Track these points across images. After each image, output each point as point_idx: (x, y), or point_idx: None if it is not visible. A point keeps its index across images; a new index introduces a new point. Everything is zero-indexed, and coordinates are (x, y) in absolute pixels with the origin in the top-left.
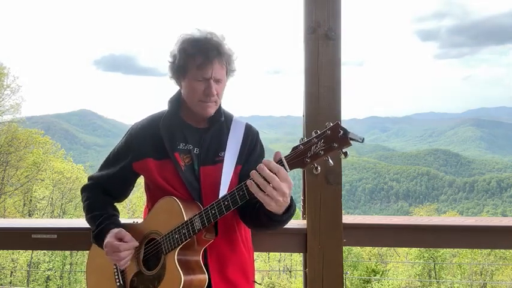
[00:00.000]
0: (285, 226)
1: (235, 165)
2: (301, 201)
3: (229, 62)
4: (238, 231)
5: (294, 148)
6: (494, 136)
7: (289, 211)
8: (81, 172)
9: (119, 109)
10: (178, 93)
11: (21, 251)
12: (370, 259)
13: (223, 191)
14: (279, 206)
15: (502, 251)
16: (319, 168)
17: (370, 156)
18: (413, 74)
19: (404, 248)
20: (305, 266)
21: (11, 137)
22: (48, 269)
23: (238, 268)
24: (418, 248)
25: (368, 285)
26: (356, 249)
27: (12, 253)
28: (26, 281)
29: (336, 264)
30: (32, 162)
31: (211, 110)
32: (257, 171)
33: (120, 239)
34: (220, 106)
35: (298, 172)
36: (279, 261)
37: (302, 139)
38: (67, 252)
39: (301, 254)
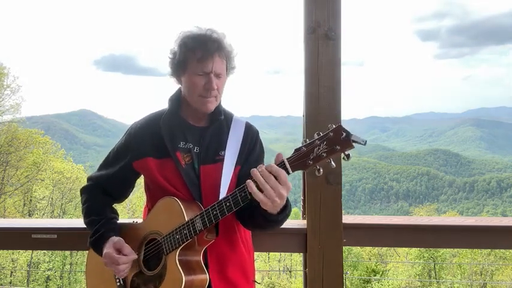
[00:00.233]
0: (285, 226)
1: (235, 166)
2: (301, 201)
3: (230, 58)
4: (238, 231)
5: (297, 150)
6: (494, 136)
7: (285, 211)
8: (81, 172)
9: (118, 109)
10: (178, 92)
11: (21, 251)
12: (370, 259)
13: (223, 190)
14: (275, 206)
15: (502, 251)
16: (321, 170)
17: (370, 156)
18: (413, 74)
19: (404, 248)
20: (305, 266)
21: (11, 137)
22: (48, 269)
23: (238, 268)
24: (418, 248)
25: (368, 285)
26: (356, 249)
27: (12, 253)
28: (26, 281)
29: (336, 264)
30: (32, 162)
31: (212, 106)
32: (258, 171)
33: (119, 250)
34: (220, 104)
35: (298, 172)
36: (279, 261)
37: (304, 141)
38: (67, 252)
39: (301, 254)
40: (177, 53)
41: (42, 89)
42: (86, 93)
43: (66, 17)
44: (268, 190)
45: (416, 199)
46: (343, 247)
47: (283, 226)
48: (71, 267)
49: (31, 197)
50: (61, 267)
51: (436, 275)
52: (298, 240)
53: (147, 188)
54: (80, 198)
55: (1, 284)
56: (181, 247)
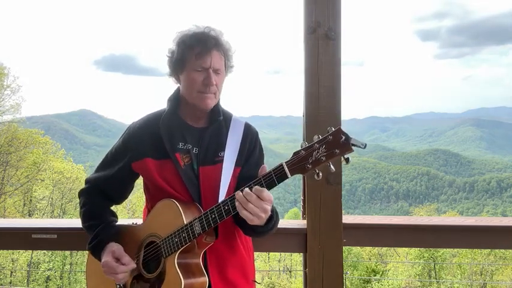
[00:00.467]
0: (285, 226)
1: (234, 167)
2: (301, 201)
3: (228, 55)
4: (237, 232)
5: (295, 153)
6: (494, 136)
7: (271, 222)
8: (81, 172)
9: (118, 109)
10: (177, 92)
11: (21, 251)
12: (370, 259)
13: (222, 191)
14: (261, 221)
15: (502, 251)
16: (320, 174)
17: (370, 156)
18: (413, 74)
19: (404, 248)
20: (305, 266)
21: (11, 137)
22: (48, 269)
23: (237, 269)
24: (418, 248)
25: (368, 285)
26: (356, 249)
27: (12, 253)
28: (26, 281)
29: (336, 264)
30: (32, 162)
31: (211, 102)
32: (242, 194)
33: (118, 259)
34: (219, 105)
35: None
36: (279, 261)
37: (304, 144)
38: (67, 252)
39: (301, 254)
40: (176, 51)
41: (42, 89)
42: (86, 93)
43: (66, 17)
44: (251, 208)
45: (416, 199)
46: (343, 247)
47: (283, 226)
48: (71, 267)
49: (31, 197)
50: (61, 267)
51: (436, 275)
52: (298, 240)
53: (147, 189)
54: (78, 199)
55: (1, 284)
56: (180, 250)
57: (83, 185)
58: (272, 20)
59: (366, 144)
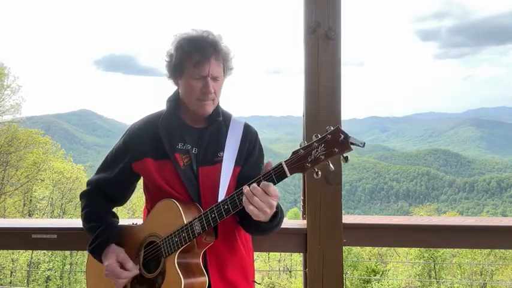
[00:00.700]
0: (285, 226)
1: (234, 167)
2: (301, 201)
3: (226, 60)
4: (237, 232)
5: (294, 152)
6: (494, 136)
7: (276, 219)
8: (81, 172)
9: (118, 109)
10: (177, 93)
11: (21, 251)
12: (370, 259)
13: (222, 191)
14: (266, 217)
15: (502, 251)
16: (319, 173)
17: (370, 156)
18: (413, 74)
19: (404, 248)
20: (305, 266)
21: (11, 137)
22: (48, 269)
23: (237, 269)
24: (418, 248)
25: (368, 285)
26: (356, 249)
27: (12, 253)
28: (26, 281)
29: (336, 264)
30: (32, 162)
31: (210, 109)
32: (249, 189)
33: (121, 264)
34: (218, 105)
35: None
36: (279, 261)
37: (303, 143)
38: (67, 252)
39: (301, 254)
40: (174, 56)
41: (42, 89)
42: (86, 93)
43: (66, 17)
44: (257, 202)
45: (416, 199)
46: (343, 247)
47: (283, 226)
48: (71, 267)
49: (31, 197)
50: (61, 267)
51: (436, 275)
52: (298, 240)
53: (146, 189)
54: (79, 200)
55: (1, 284)
56: (180, 250)
57: (83, 185)
58: (272, 20)
59: (364, 143)
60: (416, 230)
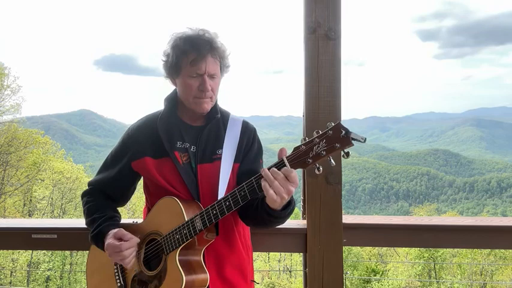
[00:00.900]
0: (285, 226)
1: (233, 164)
2: (301, 201)
3: (223, 57)
4: (236, 231)
5: (296, 148)
6: (494, 136)
7: (289, 207)
8: (81, 172)
9: (118, 109)
10: (175, 92)
11: (21, 251)
12: (370, 259)
13: (222, 188)
14: (282, 203)
15: (502, 251)
16: (321, 168)
17: (370, 156)
18: (414, 74)
19: (404, 248)
20: (305, 266)
21: (11, 137)
22: (48, 269)
23: (236, 268)
24: (418, 248)
25: (368, 285)
26: (356, 249)
27: (12, 253)
28: (26, 281)
29: (336, 264)
30: (32, 162)
31: (207, 107)
32: (270, 173)
33: (120, 239)
34: (216, 103)
35: (298, 172)
36: (279, 261)
37: (304, 139)
38: (67, 252)
39: (301, 254)
40: (170, 55)
41: (42, 89)
42: (86, 93)
43: (66, 17)
44: (277, 187)
45: (416, 199)
46: (343, 247)
47: (283, 226)
48: (71, 267)
49: (31, 197)
50: (61, 267)
51: (436, 275)
52: (298, 240)
53: (146, 188)
54: (80, 200)
55: (1, 284)
56: (181, 247)
57: (83, 185)
58: (272, 20)
59: (365, 138)
60: (417, 230)
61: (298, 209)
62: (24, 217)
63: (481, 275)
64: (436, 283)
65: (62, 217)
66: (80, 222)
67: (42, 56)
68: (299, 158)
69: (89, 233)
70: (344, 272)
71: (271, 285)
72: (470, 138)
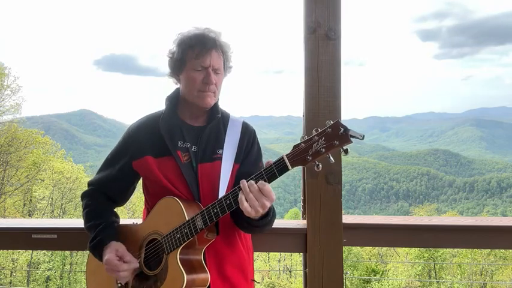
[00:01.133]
0: (285, 226)
1: (233, 164)
2: (301, 201)
3: (227, 55)
4: (237, 230)
5: (295, 146)
6: (495, 136)
7: (266, 218)
8: (81, 172)
9: (118, 109)
10: (176, 91)
11: (21, 251)
12: (370, 259)
13: (222, 188)
14: (257, 215)
15: (502, 251)
16: (320, 165)
17: (370, 156)
18: (414, 74)
19: (404, 248)
20: (305, 266)
21: (11, 137)
22: (48, 269)
23: (236, 266)
24: (418, 248)
25: (368, 285)
26: (356, 249)
27: (12, 253)
28: (26, 281)
29: (336, 264)
30: (32, 162)
31: (210, 101)
32: (247, 185)
33: (120, 257)
34: (217, 104)
35: (298, 172)
36: (279, 261)
37: (303, 137)
38: (67, 252)
39: (301, 254)
40: (176, 52)
41: (42, 89)
42: (86, 93)
43: (66, 17)
44: (251, 200)
45: (416, 199)
46: (343, 247)
47: (283, 226)
48: (71, 267)
49: (31, 197)
50: (61, 267)
51: (436, 275)
52: (298, 240)
53: (145, 189)
54: (80, 200)
55: (1, 284)
56: (182, 246)
57: (83, 185)
58: (272, 20)
59: (363, 135)
60: (416, 230)
61: (298, 209)
62: (24, 217)
63: (481, 275)
64: (436, 283)
65: (62, 217)
66: (80, 222)
67: (42, 56)
68: (299, 155)
69: (88, 239)
70: (344, 272)
71: (271, 285)
72: (470, 138)
